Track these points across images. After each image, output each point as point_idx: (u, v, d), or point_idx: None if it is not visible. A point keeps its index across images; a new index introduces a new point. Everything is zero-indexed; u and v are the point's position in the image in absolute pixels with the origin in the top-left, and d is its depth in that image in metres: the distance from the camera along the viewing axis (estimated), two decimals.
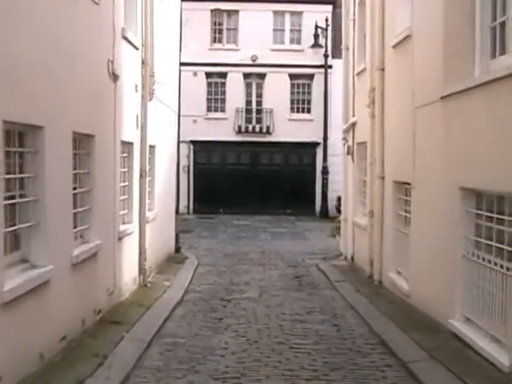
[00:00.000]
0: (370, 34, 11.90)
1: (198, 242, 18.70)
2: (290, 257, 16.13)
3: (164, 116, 13.83)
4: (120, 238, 9.36)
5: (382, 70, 11.14)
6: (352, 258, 14.29)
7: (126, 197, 10.13)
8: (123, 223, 9.98)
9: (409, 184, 9.64)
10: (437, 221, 8.28)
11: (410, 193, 9.73)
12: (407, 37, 9.51)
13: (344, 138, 15.27)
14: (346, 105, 14.98)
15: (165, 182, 14.18)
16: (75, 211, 7.39)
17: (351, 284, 11.71)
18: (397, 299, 9.93)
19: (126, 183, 10.16)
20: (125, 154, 9.99)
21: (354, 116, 14.14)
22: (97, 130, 7.94)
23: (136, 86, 10.39)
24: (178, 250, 15.94)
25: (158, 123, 13.00)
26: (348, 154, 14.64)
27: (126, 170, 10.10)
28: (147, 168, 11.23)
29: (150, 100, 11.18)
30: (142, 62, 10.78)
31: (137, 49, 10.35)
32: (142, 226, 10.86)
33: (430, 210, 8.63)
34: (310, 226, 23.88)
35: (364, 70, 12.80)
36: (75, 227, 7.41)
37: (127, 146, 10.00)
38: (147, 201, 11.63)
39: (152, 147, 12.40)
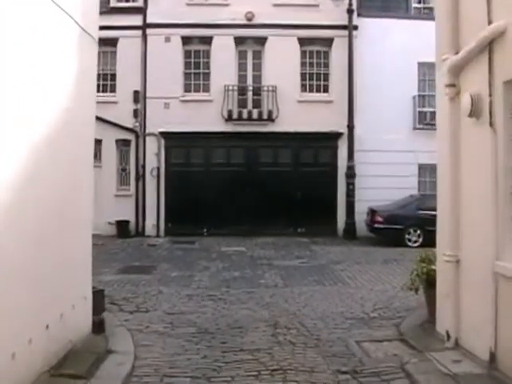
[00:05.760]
0: None
1: (156, 296, 10.64)
2: (329, 336, 8.06)
3: (39, 21, 5.59)
4: None
5: None
6: (493, 357, 6.03)
7: None
8: None
9: None
10: None
11: None
12: None
13: (451, 85, 7.03)
14: (455, 5, 6.82)
15: (54, 180, 5.93)
16: None
17: None
18: None
19: None
20: None
21: (490, 22, 5.97)
22: None
23: None
24: (99, 326, 7.69)
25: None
26: (471, 115, 6.43)
27: None
28: None
29: None
30: None
31: None
32: None
33: None
34: (336, 253, 16.50)
35: None
36: None
37: None
38: None
39: None
